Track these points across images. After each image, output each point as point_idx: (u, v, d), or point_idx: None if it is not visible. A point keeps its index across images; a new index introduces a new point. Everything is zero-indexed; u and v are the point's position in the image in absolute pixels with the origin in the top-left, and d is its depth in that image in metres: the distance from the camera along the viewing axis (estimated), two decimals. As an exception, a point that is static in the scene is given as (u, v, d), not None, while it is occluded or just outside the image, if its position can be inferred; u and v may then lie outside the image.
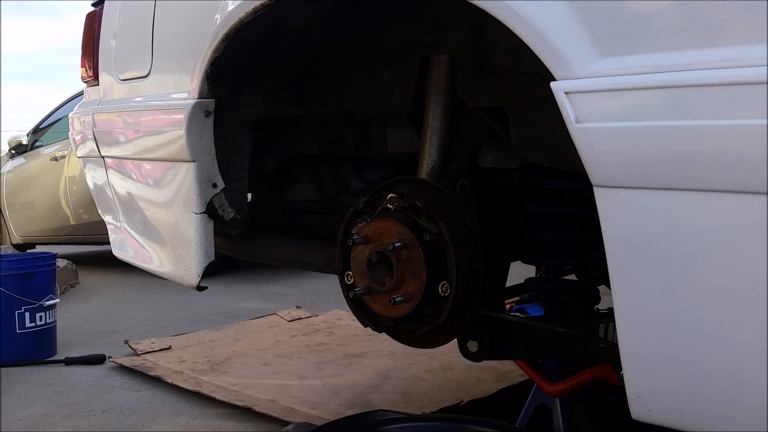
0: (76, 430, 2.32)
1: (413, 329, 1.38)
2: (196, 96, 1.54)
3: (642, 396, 0.98)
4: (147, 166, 1.77)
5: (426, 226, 1.33)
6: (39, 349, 3.17)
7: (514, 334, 1.46)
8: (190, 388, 2.60)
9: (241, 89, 1.65)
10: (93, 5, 2.09)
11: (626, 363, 0.99)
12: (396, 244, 1.32)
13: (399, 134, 1.65)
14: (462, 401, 2.32)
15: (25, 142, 6.54)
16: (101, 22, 1.99)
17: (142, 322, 3.93)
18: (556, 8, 0.98)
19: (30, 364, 3.07)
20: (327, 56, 1.61)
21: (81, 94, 2.47)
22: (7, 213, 6.63)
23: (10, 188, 6.56)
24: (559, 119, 0.98)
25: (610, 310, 1.22)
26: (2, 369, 2.97)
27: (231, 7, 1.41)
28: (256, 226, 1.89)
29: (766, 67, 0.79)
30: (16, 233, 6.54)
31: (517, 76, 1.28)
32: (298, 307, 3.92)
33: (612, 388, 1.63)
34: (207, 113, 1.55)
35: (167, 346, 3.21)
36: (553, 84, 0.97)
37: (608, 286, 1.00)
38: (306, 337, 3.34)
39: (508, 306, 2.32)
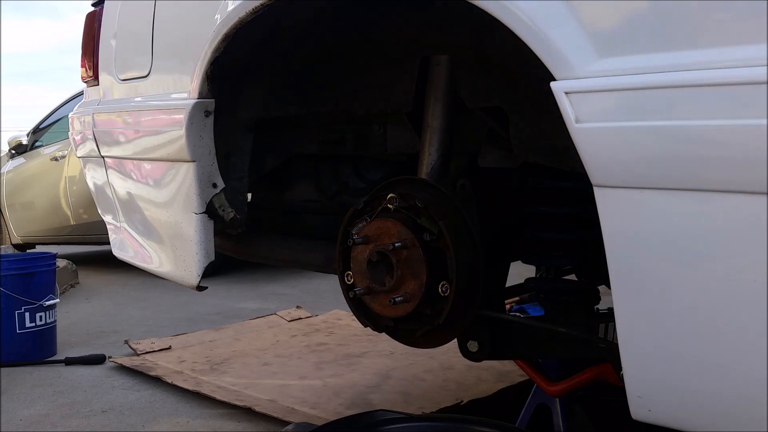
0: (76, 430, 2.32)
1: (413, 329, 1.38)
2: (196, 96, 1.54)
3: (642, 396, 0.98)
4: (147, 166, 1.77)
5: (426, 226, 1.33)
6: (39, 349, 3.17)
7: (514, 334, 1.46)
8: (190, 388, 2.60)
9: (241, 89, 1.65)
10: (93, 5, 2.09)
11: (626, 363, 0.99)
12: (396, 244, 1.32)
13: (399, 134, 1.65)
14: (462, 401, 2.32)
15: (25, 142, 6.54)
16: (101, 22, 1.99)
17: (142, 322, 3.93)
18: (556, 8, 0.98)
19: (30, 364, 3.07)
20: (327, 56, 1.61)
21: (81, 94, 2.47)
22: (7, 213, 6.63)
23: (10, 188, 6.56)
24: (559, 119, 0.98)
25: (610, 310, 1.22)
26: (2, 369, 2.97)
27: (231, 7, 1.41)
28: (256, 226, 1.89)
29: (766, 67, 0.79)
30: (16, 233, 6.54)
31: (517, 76, 1.28)
32: (298, 307, 3.92)
33: (612, 388, 1.63)
34: (207, 113, 1.55)
35: (167, 346, 3.21)
36: (553, 84, 0.98)
37: (608, 286, 1.00)
38: (306, 337, 3.34)
39: (508, 306, 2.32)
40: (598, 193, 0.96)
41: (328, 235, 1.73)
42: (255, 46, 1.54)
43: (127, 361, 3.00)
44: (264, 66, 1.65)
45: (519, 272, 1.64)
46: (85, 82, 2.14)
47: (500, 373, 2.62)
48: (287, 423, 2.09)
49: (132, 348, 3.18)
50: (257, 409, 2.34)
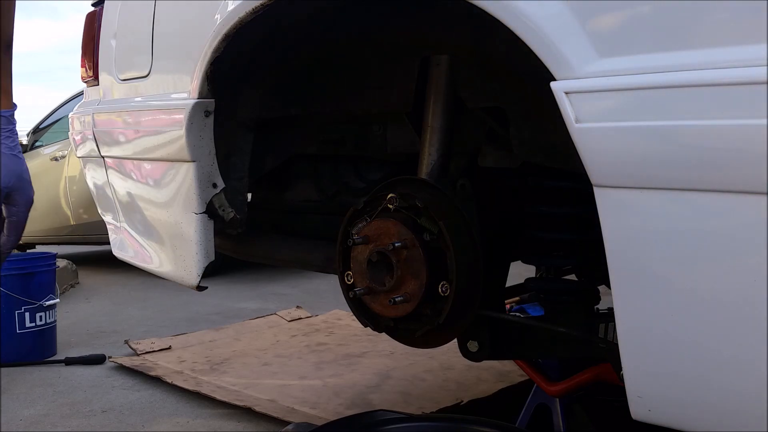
0: (76, 430, 2.32)
1: (413, 329, 1.38)
2: (196, 96, 1.53)
3: (642, 396, 0.98)
4: (147, 166, 1.77)
5: (426, 226, 1.33)
6: (39, 349, 3.17)
7: (514, 334, 1.46)
8: (190, 388, 2.60)
9: (241, 89, 1.65)
10: (93, 5, 2.09)
11: (626, 363, 0.99)
12: (396, 244, 1.32)
13: (399, 134, 1.65)
14: (462, 401, 2.32)
15: (25, 142, 6.54)
16: (101, 22, 1.99)
17: (142, 322, 3.93)
18: (556, 8, 0.98)
19: (30, 364, 3.07)
20: (327, 56, 1.61)
21: (81, 94, 2.47)
22: (7, 213, 6.62)
23: (10, 188, 6.55)
24: (559, 119, 0.98)
25: (610, 310, 1.22)
26: (2, 369, 2.97)
27: (231, 7, 1.41)
28: (256, 226, 1.89)
29: (766, 67, 0.79)
30: (16, 233, 6.53)
31: (517, 76, 1.28)
32: (298, 307, 3.92)
33: (612, 388, 1.63)
34: (207, 113, 1.55)
35: (167, 346, 3.21)
36: (553, 84, 0.97)
37: (608, 286, 1.00)
38: (306, 337, 3.34)
39: (508, 306, 2.32)
40: (598, 193, 0.96)
41: (328, 235, 1.73)
42: (255, 46, 1.54)
43: (127, 361, 3.00)
44: (264, 66, 1.65)
45: (519, 272, 1.64)
46: (85, 82, 2.14)
47: (500, 373, 2.62)
48: (287, 423, 2.09)
49: (132, 348, 3.18)
50: (257, 409, 2.34)
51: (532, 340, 1.45)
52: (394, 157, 1.73)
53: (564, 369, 1.79)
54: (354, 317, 1.49)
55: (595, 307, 1.49)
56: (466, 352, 1.47)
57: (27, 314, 3.13)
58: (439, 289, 1.32)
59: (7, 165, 1.18)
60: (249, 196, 1.80)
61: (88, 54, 2.07)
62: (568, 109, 0.96)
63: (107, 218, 2.15)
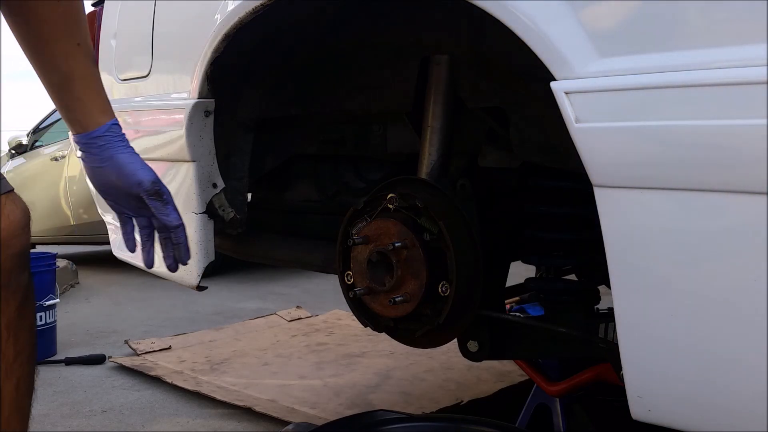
0: (76, 430, 2.32)
1: (413, 329, 1.38)
2: (196, 96, 1.54)
3: (642, 396, 0.98)
4: (147, 166, 1.77)
5: (426, 226, 1.33)
6: (39, 348, 3.15)
7: (514, 334, 1.46)
8: (190, 388, 2.60)
9: (241, 89, 1.65)
10: (93, 5, 2.09)
11: (626, 363, 0.99)
12: (396, 244, 1.32)
13: (399, 134, 1.65)
14: (462, 401, 2.32)
15: (25, 142, 6.54)
16: (101, 22, 1.99)
17: (142, 322, 3.93)
18: (556, 8, 0.98)
19: (30, 364, 3.07)
20: (327, 56, 1.61)
21: (81, 94, 2.46)
22: (7, 213, 6.62)
23: (10, 188, 6.55)
24: (559, 119, 0.98)
25: (610, 310, 1.22)
26: (2, 369, 2.97)
27: (231, 7, 1.41)
28: (256, 226, 1.89)
29: (766, 67, 0.79)
30: (16, 233, 6.52)
31: (517, 76, 1.28)
32: (298, 307, 3.92)
33: (612, 388, 1.63)
34: (207, 113, 1.55)
35: (167, 346, 3.20)
36: (553, 84, 0.97)
37: (608, 286, 1.00)
38: (306, 337, 3.34)
39: (508, 306, 2.32)
40: (598, 193, 0.96)
41: (328, 235, 1.73)
42: (255, 46, 1.54)
43: (127, 361, 3.00)
44: (264, 66, 1.65)
45: (519, 272, 1.64)
46: (85, 82, 2.13)
47: (500, 373, 2.62)
48: (287, 423, 2.09)
49: (132, 348, 3.18)
50: (257, 409, 2.34)
51: (532, 340, 1.45)
52: (394, 157, 1.73)
53: (564, 369, 1.78)
54: (354, 317, 1.49)
55: (595, 307, 1.49)
56: (466, 352, 1.47)
57: (27, 314, 3.12)
58: (439, 289, 1.32)
59: (143, 164, 1.24)
60: (249, 196, 1.80)
61: (88, 54, 2.07)
62: (568, 109, 0.96)
63: (107, 218, 2.15)
